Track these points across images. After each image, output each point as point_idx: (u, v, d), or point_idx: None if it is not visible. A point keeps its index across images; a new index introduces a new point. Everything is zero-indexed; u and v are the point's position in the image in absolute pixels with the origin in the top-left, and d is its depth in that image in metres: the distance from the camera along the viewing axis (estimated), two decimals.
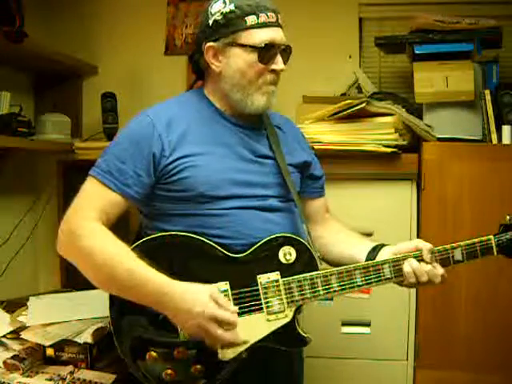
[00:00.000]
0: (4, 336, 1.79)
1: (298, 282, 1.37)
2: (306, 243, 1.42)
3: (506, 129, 2.19)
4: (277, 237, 1.40)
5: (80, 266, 1.33)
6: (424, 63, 2.26)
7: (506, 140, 2.19)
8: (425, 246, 1.42)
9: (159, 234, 1.39)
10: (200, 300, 1.26)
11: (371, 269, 1.40)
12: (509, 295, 2.08)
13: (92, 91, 2.76)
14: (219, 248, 1.37)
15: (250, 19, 1.37)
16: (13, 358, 1.71)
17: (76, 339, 1.75)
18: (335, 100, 2.30)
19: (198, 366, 1.33)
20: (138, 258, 1.29)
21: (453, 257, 1.41)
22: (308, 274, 1.38)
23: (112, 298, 1.39)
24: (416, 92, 2.27)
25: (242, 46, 1.38)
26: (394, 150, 2.10)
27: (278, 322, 1.37)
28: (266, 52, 1.38)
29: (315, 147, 2.13)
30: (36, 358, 1.75)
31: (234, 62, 1.39)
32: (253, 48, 1.37)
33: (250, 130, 1.47)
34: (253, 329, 1.34)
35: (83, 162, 2.34)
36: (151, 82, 2.74)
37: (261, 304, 1.36)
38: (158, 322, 1.34)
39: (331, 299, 2.17)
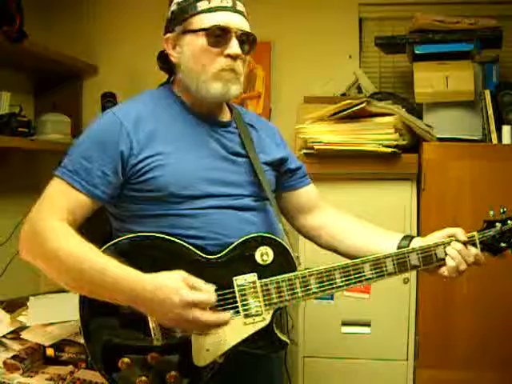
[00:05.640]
0: (4, 336, 1.79)
1: (276, 283, 1.31)
2: (284, 243, 1.35)
3: (505, 129, 2.20)
4: (253, 237, 1.33)
5: (45, 269, 1.26)
6: (424, 63, 2.26)
7: (506, 140, 2.19)
8: (456, 229, 1.39)
9: (131, 235, 1.32)
10: (172, 288, 1.19)
11: (350, 269, 1.34)
12: (509, 295, 2.08)
13: (92, 91, 2.77)
14: (193, 249, 1.30)
15: (201, 4, 1.34)
16: (13, 357, 1.71)
17: (76, 339, 1.75)
18: (335, 100, 2.30)
19: (173, 373, 1.28)
20: (109, 257, 1.23)
21: (435, 254, 1.37)
22: (286, 275, 1.32)
23: (82, 301, 1.33)
24: (416, 92, 2.27)
25: (193, 31, 1.35)
26: (393, 149, 2.10)
27: (256, 326, 1.30)
28: (216, 35, 1.33)
29: (315, 147, 2.14)
30: (36, 358, 1.75)
31: (188, 49, 1.36)
32: (203, 32, 1.33)
33: (221, 127, 1.43)
34: (229, 333, 1.28)
35: None
36: (151, 82, 2.72)
37: (237, 307, 1.29)
38: (130, 326, 1.28)
39: (331, 298, 2.17)
